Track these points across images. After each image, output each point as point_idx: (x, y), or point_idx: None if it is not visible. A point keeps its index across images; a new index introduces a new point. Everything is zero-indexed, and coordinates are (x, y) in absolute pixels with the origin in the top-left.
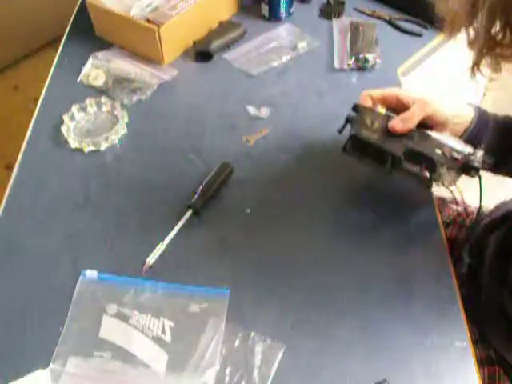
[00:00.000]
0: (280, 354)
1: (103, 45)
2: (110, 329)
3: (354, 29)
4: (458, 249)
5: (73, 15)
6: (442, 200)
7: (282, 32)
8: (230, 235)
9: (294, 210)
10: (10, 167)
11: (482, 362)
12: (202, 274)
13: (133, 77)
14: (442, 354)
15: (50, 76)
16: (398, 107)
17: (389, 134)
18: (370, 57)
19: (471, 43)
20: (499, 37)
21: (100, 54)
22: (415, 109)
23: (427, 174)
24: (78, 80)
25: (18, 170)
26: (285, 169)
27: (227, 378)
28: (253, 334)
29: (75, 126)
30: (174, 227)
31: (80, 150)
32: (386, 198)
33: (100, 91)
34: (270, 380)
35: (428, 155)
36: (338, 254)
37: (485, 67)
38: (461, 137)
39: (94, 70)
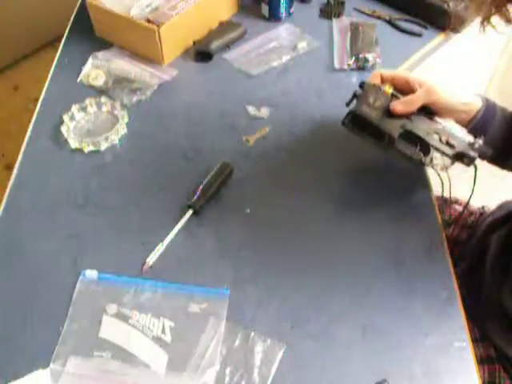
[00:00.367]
0: (280, 354)
1: (103, 45)
2: (110, 329)
3: (354, 29)
4: (459, 249)
5: (73, 15)
6: (444, 200)
7: (282, 32)
8: (229, 235)
9: (294, 209)
10: (10, 167)
11: (482, 361)
12: (202, 274)
13: (133, 77)
14: (442, 353)
15: (49, 76)
16: (405, 89)
17: (389, 114)
18: (369, 57)
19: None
20: None
21: (100, 54)
22: (420, 93)
23: (421, 157)
24: (78, 80)
25: (17, 169)
26: (285, 169)
27: (227, 378)
28: (253, 334)
29: (75, 125)
30: (173, 227)
31: (80, 150)
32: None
33: (100, 91)
34: (270, 380)
35: (423, 138)
36: (339, 254)
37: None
38: (467, 126)
39: (94, 70)
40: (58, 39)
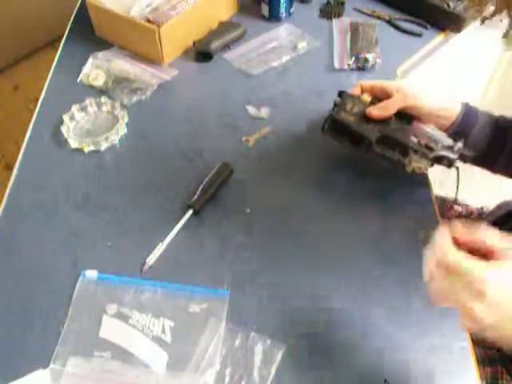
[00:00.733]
0: (280, 354)
1: (103, 45)
2: (110, 329)
3: (354, 29)
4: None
5: (73, 15)
6: (443, 200)
7: (282, 32)
8: (229, 235)
9: (294, 209)
10: (10, 167)
11: (484, 362)
12: (202, 274)
13: (133, 77)
14: (442, 353)
15: (49, 76)
16: (384, 97)
17: (366, 119)
18: (369, 57)
19: None
20: None
21: (100, 54)
22: (395, 98)
23: (399, 159)
24: (78, 80)
25: (17, 170)
26: (285, 169)
27: (227, 378)
28: (253, 334)
29: (75, 125)
30: (174, 227)
31: (80, 150)
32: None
33: (100, 91)
34: (270, 380)
35: (401, 141)
36: (339, 254)
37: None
38: (448, 130)
39: (94, 69)
40: (58, 39)
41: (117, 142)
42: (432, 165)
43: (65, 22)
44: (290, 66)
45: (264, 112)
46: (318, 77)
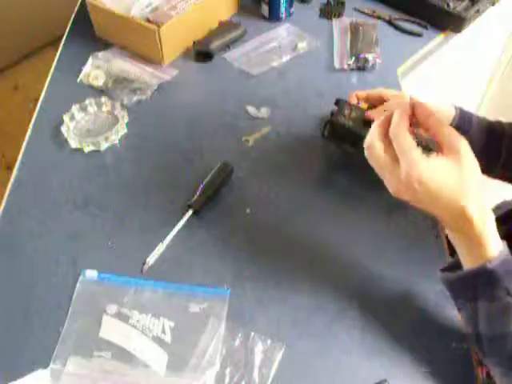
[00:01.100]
0: (280, 354)
1: (103, 45)
2: (110, 329)
3: (354, 29)
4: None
5: (73, 15)
6: None
7: (282, 32)
8: (230, 235)
9: (294, 209)
10: (10, 167)
11: (480, 362)
12: (202, 273)
13: (133, 77)
14: (442, 354)
15: (49, 76)
16: (379, 104)
17: (365, 123)
18: (370, 57)
19: None
20: None
21: (100, 54)
22: (392, 102)
23: None
24: (78, 80)
25: (17, 170)
26: (285, 169)
27: (227, 378)
28: (253, 334)
29: (75, 126)
30: (174, 227)
31: (80, 150)
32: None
33: (100, 91)
34: (270, 380)
35: None
36: (340, 254)
37: None
38: None
39: (94, 69)
40: (58, 39)
41: (117, 141)
42: None
43: (65, 22)
44: (290, 65)
45: (264, 112)
46: (318, 77)
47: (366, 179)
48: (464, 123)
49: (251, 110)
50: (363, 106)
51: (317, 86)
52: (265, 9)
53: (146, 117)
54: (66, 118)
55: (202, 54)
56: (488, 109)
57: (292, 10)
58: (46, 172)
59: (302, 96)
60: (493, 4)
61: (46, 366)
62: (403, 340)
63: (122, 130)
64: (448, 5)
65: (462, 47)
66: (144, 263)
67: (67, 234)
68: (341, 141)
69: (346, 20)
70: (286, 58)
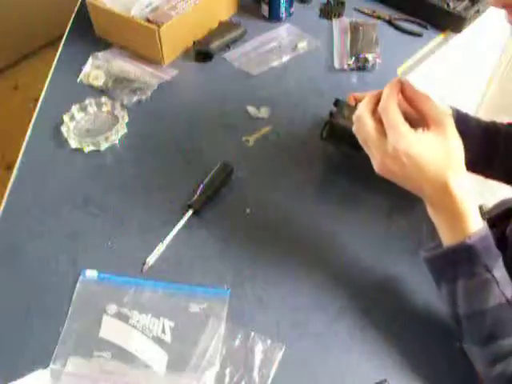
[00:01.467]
0: (280, 354)
1: (103, 45)
2: (110, 329)
3: (354, 29)
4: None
5: (73, 15)
6: None
7: (282, 32)
8: (230, 235)
9: (294, 209)
10: (10, 167)
11: None
12: (202, 273)
13: (133, 77)
14: (443, 353)
15: (49, 76)
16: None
17: None
18: (370, 57)
19: None
20: None
21: (100, 54)
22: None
23: None
24: (78, 80)
25: (17, 169)
26: (284, 169)
27: (227, 378)
28: (253, 334)
29: (75, 126)
30: (174, 227)
31: (80, 150)
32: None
33: (100, 91)
34: (270, 380)
35: None
36: (340, 253)
37: None
38: None
39: (94, 70)
40: (58, 39)
41: (117, 141)
42: None
43: (65, 22)
44: (290, 65)
45: (264, 112)
46: (318, 77)
47: (367, 179)
48: (460, 124)
49: (251, 110)
50: None
51: (317, 86)
52: (265, 9)
53: (146, 117)
54: (65, 118)
55: (201, 53)
56: (488, 108)
57: (292, 9)
58: (46, 172)
59: (302, 96)
60: None
61: (45, 366)
62: (403, 340)
63: (121, 129)
64: (448, 5)
65: (462, 47)
66: (144, 263)
67: (67, 233)
68: (340, 142)
69: (345, 20)
70: (285, 58)
